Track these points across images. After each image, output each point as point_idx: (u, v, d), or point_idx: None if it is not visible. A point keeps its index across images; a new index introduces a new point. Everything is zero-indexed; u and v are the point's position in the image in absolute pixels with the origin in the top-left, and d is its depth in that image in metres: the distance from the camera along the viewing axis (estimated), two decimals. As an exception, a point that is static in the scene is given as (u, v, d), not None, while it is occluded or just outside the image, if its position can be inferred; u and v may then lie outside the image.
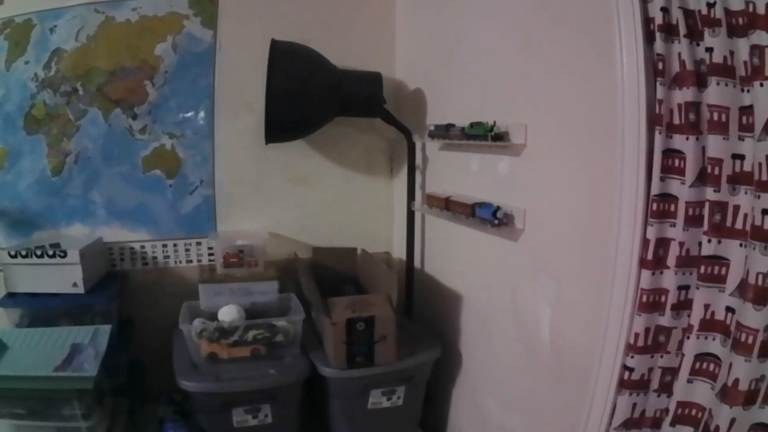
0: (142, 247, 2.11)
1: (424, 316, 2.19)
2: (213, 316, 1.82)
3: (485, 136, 1.52)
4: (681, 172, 1.14)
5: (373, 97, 1.92)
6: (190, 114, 2.10)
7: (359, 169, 2.39)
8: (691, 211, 1.13)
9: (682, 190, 1.14)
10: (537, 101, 1.45)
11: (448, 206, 1.76)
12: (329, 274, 2.21)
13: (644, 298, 1.19)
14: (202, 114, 2.12)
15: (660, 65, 1.16)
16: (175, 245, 2.14)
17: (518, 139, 1.49)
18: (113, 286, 1.93)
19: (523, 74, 1.51)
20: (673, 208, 1.16)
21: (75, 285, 1.78)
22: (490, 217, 1.51)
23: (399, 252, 2.35)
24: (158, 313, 2.02)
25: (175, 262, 2.15)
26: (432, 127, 1.82)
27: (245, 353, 1.77)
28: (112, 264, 2.09)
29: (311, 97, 1.92)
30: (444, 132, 1.74)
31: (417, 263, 2.23)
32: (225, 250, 2.01)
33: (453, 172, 1.92)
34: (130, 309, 2.07)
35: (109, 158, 2.04)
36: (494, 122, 1.52)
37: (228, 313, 1.81)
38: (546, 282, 1.46)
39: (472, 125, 1.58)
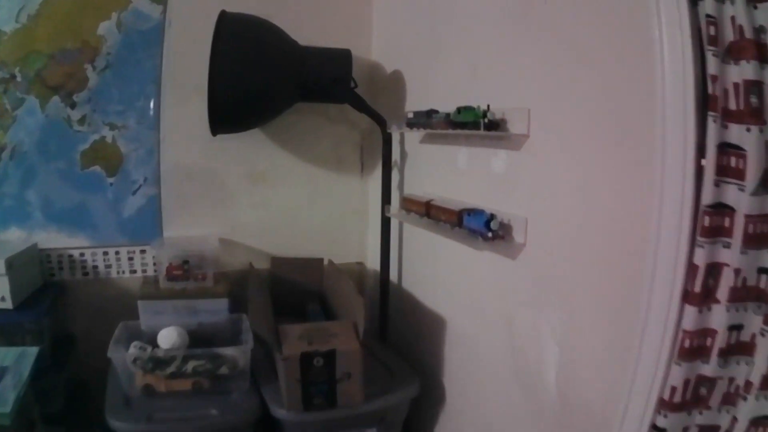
0: (82, 254, 1.86)
1: (401, 340, 1.86)
2: (155, 339, 1.56)
3: (476, 123, 1.18)
4: (740, 174, 0.85)
5: (340, 79, 1.58)
6: (133, 101, 1.85)
7: (328, 165, 2.06)
8: (751, 228, 0.85)
9: (741, 199, 0.85)
10: (543, 80, 1.12)
11: (429, 212, 1.43)
12: (291, 289, 1.92)
13: (687, 342, 0.90)
14: (146, 101, 1.86)
15: (711, 30, 0.86)
16: (117, 253, 1.88)
17: (518, 128, 1.16)
18: (46, 299, 1.69)
19: (524, 45, 1.18)
20: (728, 223, 0.87)
21: (3, 299, 1.56)
22: (482, 228, 1.18)
23: (374, 262, 2.02)
24: (102, 327, 1.70)
25: (118, 272, 1.89)
26: (410, 115, 1.48)
27: (186, 386, 1.49)
28: (50, 273, 1.84)
29: (266, 78, 1.58)
30: (425, 120, 1.40)
31: (393, 277, 1.90)
32: (168, 260, 1.73)
33: (436, 169, 1.59)
34: (70, 324, 1.84)
35: (46, 153, 1.80)
36: (488, 106, 1.18)
37: (167, 338, 1.53)
38: (553, 314, 1.13)
39: (459, 110, 1.25)
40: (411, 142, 1.72)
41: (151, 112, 1.86)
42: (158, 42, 1.83)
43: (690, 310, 0.88)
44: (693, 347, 0.89)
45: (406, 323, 1.83)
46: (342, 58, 1.63)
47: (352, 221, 2.13)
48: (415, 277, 1.79)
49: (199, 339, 1.56)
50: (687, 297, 0.89)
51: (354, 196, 2.11)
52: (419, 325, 1.73)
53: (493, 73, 1.29)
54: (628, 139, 0.95)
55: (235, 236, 1.99)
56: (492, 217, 1.18)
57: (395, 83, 1.80)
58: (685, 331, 0.89)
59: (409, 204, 1.52)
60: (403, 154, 1.77)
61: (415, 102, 1.68)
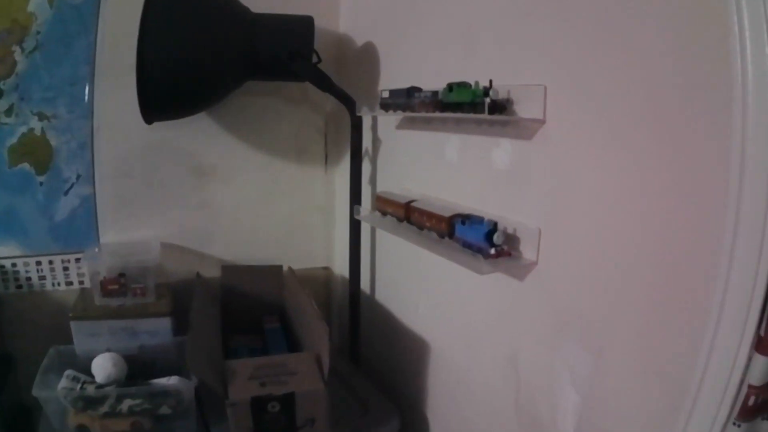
0: (14, 264, 1.59)
1: (377, 361, 1.58)
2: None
3: (474, 105, 0.90)
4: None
5: (300, 52, 1.27)
6: (64, 86, 1.58)
7: (288, 156, 1.76)
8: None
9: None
10: (564, 49, 0.84)
11: (409, 216, 1.14)
12: (246, 302, 1.62)
13: (751, 400, 0.68)
14: (79, 86, 1.59)
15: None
16: (50, 262, 1.62)
17: (530, 111, 0.88)
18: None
19: (537, 3, 0.90)
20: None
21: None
22: (482, 241, 0.90)
23: (343, 267, 1.73)
24: (41, 347, 1.47)
25: (53, 285, 1.62)
26: (385, 94, 1.19)
27: (124, 427, 1.25)
28: (-17, 286, 1.57)
29: (205, 52, 1.27)
30: (404, 100, 1.11)
31: (366, 287, 1.62)
32: (101, 272, 1.45)
33: (418, 162, 1.30)
34: (7, 343, 1.57)
35: (-27, 151, 1.55)
36: (490, 83, 0.90)
37: (101, 368, 1.31)
38: (574, 354, 0.87)
39: (451, 88, 0.96)
40: (386, 127, 1.43)
41: (85, 99, 1.59)
42: (93, 16, 1.56)
43: (761, 361, 0.65)
44: (757, 405, 0.67)
45: (383, 343, 1.55)
46: (302, 26, 1.32)
47: (316, 220, 1.84)
48: (392, 291, 1.51)
49: (140, 366, 1.36)
50: (759, 345, 0.65)
51: (318, 191, 1.82)
52: (398, 348, 1.46)
53: (496, 42, 1.00)
54: (685, 125, 0.68)
55: (182, 240, 1.70)
56: (494, 227, 0.90)
57: (368, 58, 1.50)
58: (751, 387, 0.66)
59: (384, 204, 1.24)
60: (377, 142, 1.48)
61: (391, 80, 1.39)
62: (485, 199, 1.05)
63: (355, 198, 1.45)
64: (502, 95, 0.92)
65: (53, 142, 1.58)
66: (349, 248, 1.52)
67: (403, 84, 1.15)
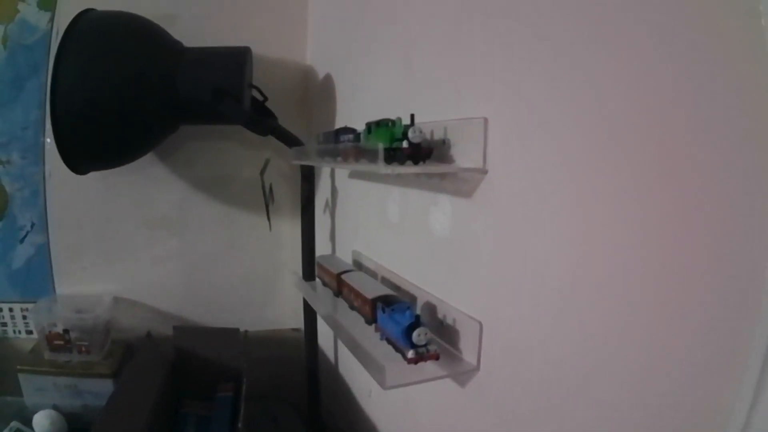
0: None
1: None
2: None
3: (394, 150, 0.66)
4: None
5: (225, 91, 1.06)
6: (16, 131, 1.51)
7: (251, 206, 1.56)
8: None
9: None
10: (511, 69, 0.60)
11: (341, 290, 0.90)
12: (200, 366, 1.43)
13: None
14: (31, 130, 1.50)
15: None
16: (11, 309, 1.56)
17: (468, 156, 0.64)
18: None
19: (480, 23, 0.66)
20: None
21: None
22: (400, 339, 0.65)
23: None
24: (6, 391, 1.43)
25: (14, 332, 1.56)
26: (321, 137, 0.96)
27: None
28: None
29: (122, 88, 1.09)
30: (332, 145, 0.88)
31: (330, 354, 1.37)
32: (47, 327, 1.38)
33: (366, 220, 1.05)
34: None
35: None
36: (411, 118, 0.66)
37: (40, 425, 1.29)
38: None
39: (370, 128, 0.73)
40: (342, 174, 1.20)
41: (35, 143, 1.50)
42: (44, 58, 1.46)
43: None
44: None
45: (345, 423, 1.29)
46: (233, 60, 1.11)
47: (284, 275, 1.62)
48: (350, 365, 1.25)
49: (85, 425, 1.30)
50: None
51: (287, 244, 1.60)
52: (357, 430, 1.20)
53: (430, 64, 0.77)
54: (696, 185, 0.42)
55: (135, 295, 1.54)
56: (416, 321, 0.65)
57: (328, 92, 1.29)
58: None
59: (322, 272, 1.00)
60: (334, 193, 1.25)
61: (352, 117, 1.17)
62: (425, 275, 0.80)
63: (308, 258, 1.22)
64: (437, 134, 0.68)
65: (8, 189, 1.49)
66: (304, 313, 1.29)
67: (355, 121, 0.92)
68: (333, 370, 1.36)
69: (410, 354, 0.64)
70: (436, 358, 0.65)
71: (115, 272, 1.52)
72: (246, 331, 1.41)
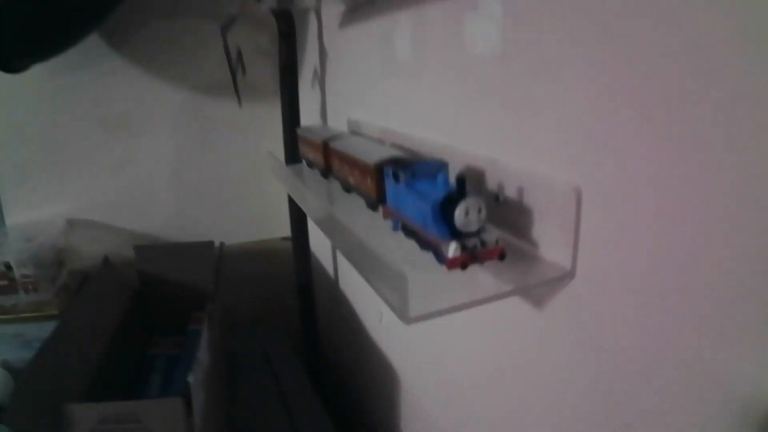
0: None
1: (338, 375, 1.06)
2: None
3: None
4: None
5: None
6: None
7: (225, 94, 1.23)
8: None
9: None
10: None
11: (330, 166, 0.59)
12: (169, 294, 1.14)
13: None
14: None
15: None
16: None
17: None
18: None
19: None
20: None
21: None
22: (433, 224, 0.35)
23: (313, 236, 1.21)
24: None
25: None
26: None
27: None
28: None
29: None
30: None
31: (328, 265, 1.10)
32: None
33: (364, 71, 0.73)
34: None
35: None
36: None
37: None
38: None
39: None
40: (330, 30, 0.87)
41: None
42: None
43: None
44: None
45: (345, 354, 1.04)
46: None
47: (268, 173, 1.32)
48: (353, 280, 0.98)
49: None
50: None
51: (272, 136, 1.29)
52: (361, 369, 0.94)
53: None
54: None
55: (93, 214, 1.25)
56: (459, 184, 0.35)
57: None
58: None
59: (306, 148, 0.69)
60: (323, 56, 0.92)
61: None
62: (459, 126, 0.49)
63: (289, 136, 0.91)
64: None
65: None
66: (289, 212, 1.00)
67: None
68: (332, 286, 1.09)
69: (452, 250, 0.34)
70: (501, 256, 0.36)
71: (69, 189, 1.22)
72: (222, 244, 1.13)
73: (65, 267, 1.17)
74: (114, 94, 1.18)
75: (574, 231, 0.35)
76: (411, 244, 0.41)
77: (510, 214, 0.41)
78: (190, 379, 0.65)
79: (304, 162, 0.73)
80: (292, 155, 0.91)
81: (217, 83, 1.21)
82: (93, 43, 1.13)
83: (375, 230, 0.45)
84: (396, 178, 0.42)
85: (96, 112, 1.18)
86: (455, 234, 0.35)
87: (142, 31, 1.15)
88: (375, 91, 0.70)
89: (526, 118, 0.40)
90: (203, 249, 1.15)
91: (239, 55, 0.89)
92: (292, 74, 0.90)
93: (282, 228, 1.33)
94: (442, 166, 0.41)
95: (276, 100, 1.18)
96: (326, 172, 0.61)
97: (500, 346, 0.48)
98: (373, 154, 0.48)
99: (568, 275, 0.36)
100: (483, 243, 0.36)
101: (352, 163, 0.51)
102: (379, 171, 0.45)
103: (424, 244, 0.39)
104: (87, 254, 1.22)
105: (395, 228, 0.44)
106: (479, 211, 0.35)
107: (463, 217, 0.35)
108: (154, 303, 1.13)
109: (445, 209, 0.36)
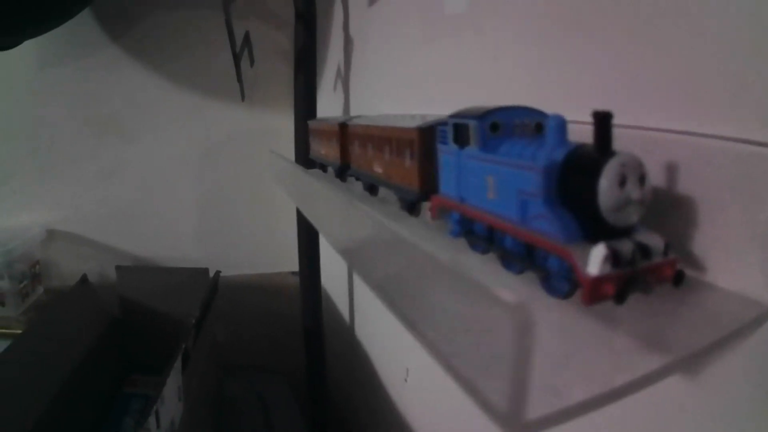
0: None
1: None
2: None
3: None
4: None
5: None
6: None
7: (234, 97, 1.07)
8: None
9: None
10: None
11: (347, 157, 0.41)
12: (154, 324, 0.97)
13: None
14: None
15: None
16: None
17: None
18: None
19: None
20: None
21: None
22: (559, 223, 0.16)
23: (327, 272, 1.02)
24: None
25: None
26: None
27: None
28: None
29: None
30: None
31: (343, 307, 0.92)
32: None
33: (403, 46, 0.56)
34: None
35: None
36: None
37: None
38: None
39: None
40: (358, 10, 0.71)
41: None
42: None
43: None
44: None
45: (363, 414, 0.84)
46: None
47: (283, 199, 1.15)
48: (372, 329, 0.78)
49: None
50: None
51: (288, 152, 1.13)
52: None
53: None
54: None
55: (76, 226, 1.08)
56: (604, 118, 0.17)
57: None
58: None
59: (317, 141, 0.52)
60: (348, 45, 0.76)
61: None
62: (552, 78, 0.31)
63: (302, 142, 0.74)
64: None
65: None
66: (298, 239, 0.82)
67: None
68: (346, 331, 0.90)
69: (599, 261, 0.16)
70: (677, 278, 0.17)
71: (50, 196, 1.07)
72: (217, 273, 0.95)
73: (40, 282, 1.03)
74: (105, 91, 1.03)
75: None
76: (483, 262, 0.23)
77: (649, 213, 0.22)
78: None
79: (318, 169, 0.56)
80: (305, 160, 0.74)
81: (223, 85, 1.06)
82: (85, 31, 0.99)
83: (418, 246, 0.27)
84: (461, 139, 0.24)
85: (84, 110, 1.04)
86: (596, 231, 0.17)
87: (141, 23, 1.01)
88: (412, 74, 0.53)
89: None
90: (196, 276, 0.98)
91: (246, 39, 0.74)
92: (309, 61, 0.74)
93: (292, 261, 1.15)
94: (543, 115, 0.23)
95: (291, 103, 1.02)
96: (343, 170, 0.43)
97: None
98: (412, 121, 0.30)
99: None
100: (645, 251, 0.17)
101: (381, 140, 0.33)
102: (426, 137, 0.27)
103: (516, 256, 0.21)
104: (66, 270, 1.06)
105: (456, 232, 0.26)
106: (641, 181, 0.17)
107: (616, 192, 0.16)
108: (135, 334, 0.96)
109: (568, 183, 0.18)
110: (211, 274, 0.96)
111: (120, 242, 1.09)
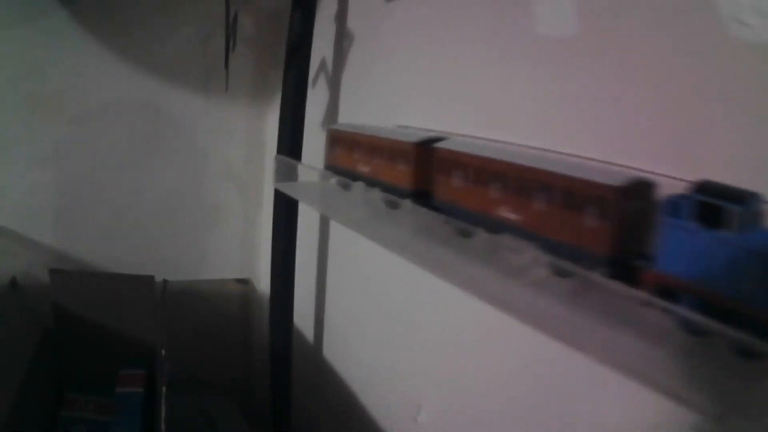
0: None
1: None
2: None
3: None
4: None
5: None
6: None
7: (190, 81, 0.97)
8: None
9: None
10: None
11: (429, 189, 0.36)
12: (94, 336, 0.88)
13: None
14: None
15: None
16: None
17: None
18: None
19: None
20: None
21: None
22: None
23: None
24: None
25: None
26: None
27: None
28: None
29: None
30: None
31: (307, 328, 0.85)
32: None
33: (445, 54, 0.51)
34: None
35: None
36: None
37: None
38: None
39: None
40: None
41: None
42: None
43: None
44: None
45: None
46: None
47: (234, 199, 1.06)
48: (358, 356, 0.72)
49: None
50: None
51: (241, 147, 1.04)
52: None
53: None
54: None
55: (5, 219, 0.92)
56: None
57: None
58: None
59: (355, 147, 0.45)
60: (346, 40, 0.69)
61: None
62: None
63: (289, 142, 0.67)
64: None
65: None
66: (272, 252, 0.75)
67: None
68: (311, 351, 0.84)
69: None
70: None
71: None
72: (165, 281, 0.85)
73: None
74: (50, 63, 0.90)
75: None
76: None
77: None
78: None
79: (335, 181, 0.49)
80: (286, 169, 0.66)
81: (184, 69, 0.94)
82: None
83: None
84: (710, 221, 0.20)
85: (24, 84, 0.89)
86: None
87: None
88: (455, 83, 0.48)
89: None
90: (141, 284, 0.90)
91: (234, 21, 0.65)
92: (304, 52, 0.66)
93: (239, 268, 1.06)
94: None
95: (262, 97, 0.93)
96: (420, 197, 0.38)
97: None
98: (594, 173, 0.25)
99: None
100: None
101: (526, 182, 0.28)
102: (629, 198, 0.23)
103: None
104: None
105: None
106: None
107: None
108: (71, 347, 0.87)
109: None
110: (158, 280, 0.86)
111: (55, 241, 0.94)
